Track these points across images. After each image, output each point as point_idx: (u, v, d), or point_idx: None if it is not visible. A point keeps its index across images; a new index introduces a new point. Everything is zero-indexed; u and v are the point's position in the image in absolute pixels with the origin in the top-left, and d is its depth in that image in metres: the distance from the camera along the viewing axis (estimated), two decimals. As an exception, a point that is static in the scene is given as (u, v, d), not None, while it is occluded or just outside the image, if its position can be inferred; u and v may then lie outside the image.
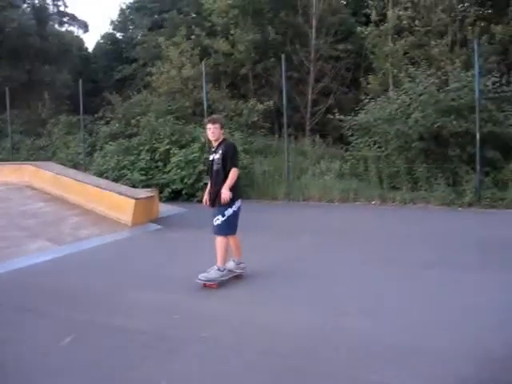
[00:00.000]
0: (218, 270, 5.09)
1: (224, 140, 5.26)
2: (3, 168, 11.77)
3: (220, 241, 5.11)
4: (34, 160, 14.12)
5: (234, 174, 5.04)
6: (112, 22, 29.71)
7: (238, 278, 5.34)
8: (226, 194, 4.97)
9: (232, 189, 5.05)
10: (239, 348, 3.62)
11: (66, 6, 29.98)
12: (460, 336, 3.63)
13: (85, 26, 30.97)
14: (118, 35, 29.44)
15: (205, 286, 5.04)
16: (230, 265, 5.29)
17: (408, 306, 4.33)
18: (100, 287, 5.29)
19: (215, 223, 5.12)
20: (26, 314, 4.53)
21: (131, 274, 5.79)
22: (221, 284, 5.08)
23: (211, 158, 5.27)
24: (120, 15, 29.71)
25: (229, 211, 5.07)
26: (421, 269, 5.49)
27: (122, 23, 29.49)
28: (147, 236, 8.11)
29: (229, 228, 5.13)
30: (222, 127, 5.24)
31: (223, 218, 5.06)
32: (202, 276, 5.04)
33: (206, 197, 5.36)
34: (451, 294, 4.60)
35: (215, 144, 5.24)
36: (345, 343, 3.59)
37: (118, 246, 7.46)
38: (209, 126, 5.21)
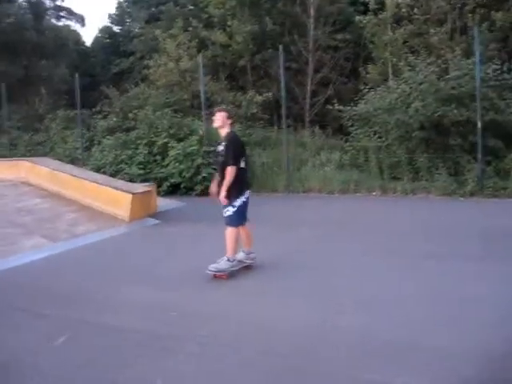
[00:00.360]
0: (228, 260, 5.07)
1: (229, 132, 5.23)
2: (-1, 164, 11.65)
3: (230, 231, 5.09)
4: (31, 155, 14.00)
5: (229, 173, 4.97)
6: (109, 16, 29.69)
7: (247, 268, 5.31)
8: (221, 197, 5.00)
9: (239, 183, 5.04)
10: (237, 346, 3.53)
11: (62, 0, 29.94)
12: (459, 331, 3.54)
13: (82, 20, 30.74)
14: (116, 29, 29.40)
15: (215, 276, 5.02)
16: (240, 255, 5.27)
17: (409, 299, 4.24)
18: (96, 285, 5.19)
19: (226, 214, 5.09)
20: (20, 314, 4.44)
21: (128, 270, 5.70)
22: (231, 275, 5.05)
23: (218, 149, 5.27)
24: (117, 8, 29.68)
25: (238, 202, 5.07)
26: (422, 259, 5.40)
27: (119, 16, 29.45)
28: (145, 231, 8.02)
29: (239, 218, 5.13)
30: (228, 118, 5.24)
31: (234, 209, 5.05)
32: (212, 267, 5.02)
33: (213, 188, 5.30)
34: (454, 285, 4.51)
35: (222, 135, 5.24)
36: (344, 341, 3.49)
37: (115, 241, 7.36)
38: (216, 113, 5.25)
